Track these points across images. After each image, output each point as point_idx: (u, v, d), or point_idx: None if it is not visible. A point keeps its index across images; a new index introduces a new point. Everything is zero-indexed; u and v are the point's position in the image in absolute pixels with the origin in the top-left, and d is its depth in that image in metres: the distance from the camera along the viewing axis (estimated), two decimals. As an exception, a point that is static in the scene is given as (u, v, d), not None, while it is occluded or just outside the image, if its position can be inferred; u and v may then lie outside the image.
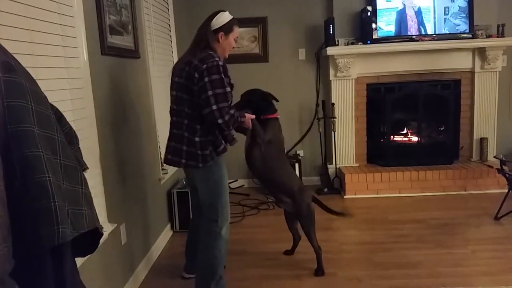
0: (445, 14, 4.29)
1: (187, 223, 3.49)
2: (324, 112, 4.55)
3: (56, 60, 1.86)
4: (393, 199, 4.15)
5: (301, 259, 2.91)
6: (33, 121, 1.03)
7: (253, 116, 2.46)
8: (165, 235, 3.36)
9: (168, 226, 3.48)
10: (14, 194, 0.96)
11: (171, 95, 2.30)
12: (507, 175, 3.45)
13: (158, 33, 3.45)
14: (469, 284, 2.49)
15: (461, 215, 3.64)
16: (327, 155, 4.73)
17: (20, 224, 0.97)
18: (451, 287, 2.47)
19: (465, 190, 4.23)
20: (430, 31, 4.30)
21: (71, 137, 1.32)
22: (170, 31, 3.84)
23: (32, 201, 0.99)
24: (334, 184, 4.51)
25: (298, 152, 4.78)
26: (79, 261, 1.30)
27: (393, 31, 4.30)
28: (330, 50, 4.27)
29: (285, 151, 4.65)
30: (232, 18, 2.30)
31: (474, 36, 4.29)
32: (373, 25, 4.25)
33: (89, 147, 2.09)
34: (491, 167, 4.22)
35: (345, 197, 4.29)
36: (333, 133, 4.52)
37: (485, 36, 4.28)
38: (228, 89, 2.15)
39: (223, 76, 2.13)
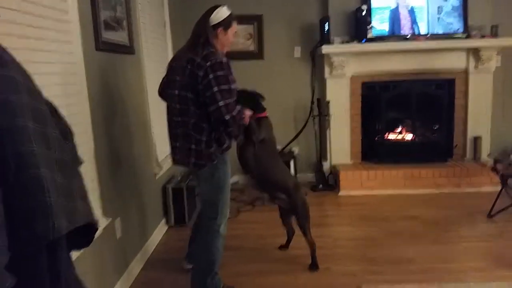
0: (438, 13, 4.31)
1: (183, 218, 3.51)
2: (319, 110, 4.56)
3: (51, 55, 1.85)
4: (387, 197, 4.17)
5: (295, 254, 2.93)
6: (27, 115, 1.02)
7: (251, 113, 2.44)
8: (160, 230, 3.36)
9: (163, 220, 3.49)
10: (8, 189, 0.96)
11: (172, 94, 2.24)
12: (500, 173, 3.48)
13: (153, 29, 3.45)
14: (462, 280, 2.52)
15: (455, 212, 3.67)
16: (322, 153, 4.74)
17: (14, 219, 0.97)
18: (444, 282, 2.49)
19: (459, 188, 4.27)
20: (423, 30, 4.32)
21: (65, 132, 1.31)
22: (165, 27, 3.83)
23: (26, 195, 0.99)
24: (329, 181, 4.53)
25: (293, 150, 4.79)
26: (74, 255, 1.31)
27: (387, 30, 4.32)
28: (325, 49, 4.28)
29: (280, 149, 4.68)
30: (231, 13, 2.27)
31: (468, 36, 4.31)
32: (368, 24, 4.26)
33: (84, 142, 2.09)
34: (485, 165, 4.26)
35: (339, 194, 4.31)
36: (328, 130, 4.53)
37: (479, 37, 4.31)
38: (233, 85, 2.13)
39: (227, 73, 2.11)
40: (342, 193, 4.32)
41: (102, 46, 2.35)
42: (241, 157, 2.60)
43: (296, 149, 4.81)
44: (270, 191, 2.77)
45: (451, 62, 4.47)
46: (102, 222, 2.23)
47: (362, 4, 4.28)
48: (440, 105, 4.49)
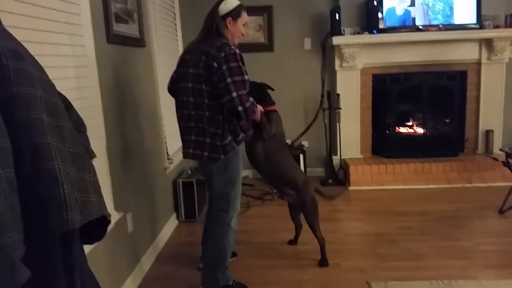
0: (450, 3, 4.23)
1: (193, 212, 3.52)
2: (329, 103, 4.53)
3: (62, 48, 1.85)
4: (398, 191, 4.14)
5: (305, 249, 2.93)
6: (42, 109, 1.03)
7: (262, 109, 2.40)
8: (171, 225, 3.38)
9: (174, 215, 3.50)
10: (23, 181, 0.96)
11: (185, 88, 2.21)
12: (513, 167, 3.43)
13: (163, 21, 3.44)
14: (473, 277, 2.49)
15: (466, 207, 3.63)
16: (332, 146, 4.71)
17: (29, 211, 0.97)
18: (455, 279, 2.47)
19: (470, 183, 4.22)
20: (435, 21, 4.25)
21: (79, 126, 1.31)
22: (175, 19, 3.81)
23: (41, 188, 0.99)
24: (339, 176, 4.51)
25: (302, 143, 4.77)
26: (86, 248, 1.31)
27: (399, 21, 4.25)
28: (336, 40, 4.24)
29: (290, 142, 4.66)
30: (240, 4, 2.26)
31: (482, 27, 4.23)
32: (379, 15, 4.20)
33: (96, 135, 2.09)
34: (497, 159, 4.18)
35: (349, 188, 4.29)
36: (338, 124, 4.50)
37: (492, 27, 4.22)
38: (246, 77, 2.12)
39: (241, 64, 2.10)
40: (352, 187, 4.29)
41: (113, 38, 2.34)
42: (251, 153, 2.58)
43: (305, 143, 4.79)
44: (279, 187, 2.75)
45: (463, 53, 4.39)
46: (114, 216, 2.23)
47: (373, -5, 4.22)
48: (452, 97, 4.43)
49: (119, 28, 2.44)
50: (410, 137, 4.58)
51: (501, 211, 3.46)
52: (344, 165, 4.51)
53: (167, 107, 3.31)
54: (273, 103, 2.63)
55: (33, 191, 0.98)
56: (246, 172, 4.62)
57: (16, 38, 1.08)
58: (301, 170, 2.87)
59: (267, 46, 4.67)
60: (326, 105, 4.61)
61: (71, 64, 1.91)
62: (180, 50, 3.80)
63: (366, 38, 4.27)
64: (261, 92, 2.60)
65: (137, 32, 2.76)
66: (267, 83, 2.64)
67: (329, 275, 2.60)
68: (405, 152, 4.43)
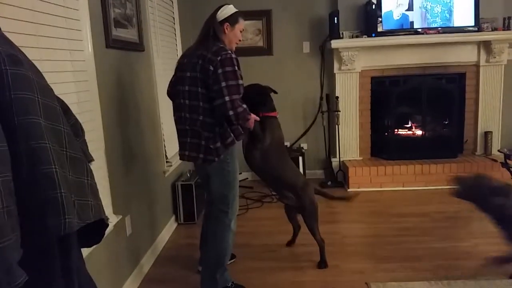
0: (449, 6, 4.24)
1: (192, 215, 3.53)
2: (328, 105, 4.54)
3: (61, 53, 1.87)
4: (397, 193, 4.15)
5: (304, 251, 2.93)
6: (40, 113, 1.04)
7: (258, 118, 2.40)
8: (170, 227, 3.39)
9: (173, 218, 3.51)
10: (21, 185, 0.97)
11: (182, 91, 2.25)
12: (511, 169, 3.44)
13: (163, 26, 3.46)
14: (472, 278, 2.50)
15: (465, 208, 3.63)
16: (331, 149, 4.73)
17: (27, 214, 0.98)
18: (454, 280, 2.48)
19: (469, 184, 4.22)
20: (434, 24, 4.26)
21: (77, 129, 1.33)
22: (174, 24, 3.83)
23: (39, 191, 1.00)
24: (338, 178, 4.52)
25: (302, 146, 4.79)
26: (84, 252, 1.32)
27: (398, 24, 4.27)
28: (335, 43, 4.26)
29: (289, 145, 4.67)
30: (237, 11, 2.32)
31: (480, 29, 4.25)
32: (378, 18, 4.22)
33: (95, 139, 2.10)
34: (496, 161, 4.21)
35: (348, 190, 4.30)
36: (337, 126, 4.52)
37: (490, 29, 4.24)
38: (241, 81, 2.15)
39: (236, 69, 2.13)
40: (351, 189, 4.30)
41: (112, 43, 2.36)
42: (247, 159, 2.59)
43: (305, 145, 4.80)
44: (278, 190, 2.76)
45: (462, 55, 4.41)
46: (113, 219, 2.24)
47: (371, -2, 4.25)
48: (451, 99, 4.44)
49: (118, 33, 2.46)
50: (409, 139, 4.59)
51: (500, 213, 3.46)
52: (343, 167, 4.52)
53: (166, 110, 3.33)
54: (273, 109, 2.62)
55: (30, 195, 0.99)
56: (245, 175, 4.62)
57: (15, 43, 1.09)
58: (301, 173, 2.88)
59: (266, 50, 4.70)
60: (325, 107, 4.62)
61: (69, 68, 1.93)
62: (179, 54, 3.82)
63: (365, 41, 4.28)
64: (263, 96, 2.60)
65: (136, 37, 2.78)
66: (270, 87, 2.65)
67: (328, 276, 2.60)
68: (404, 154, 4.44)
